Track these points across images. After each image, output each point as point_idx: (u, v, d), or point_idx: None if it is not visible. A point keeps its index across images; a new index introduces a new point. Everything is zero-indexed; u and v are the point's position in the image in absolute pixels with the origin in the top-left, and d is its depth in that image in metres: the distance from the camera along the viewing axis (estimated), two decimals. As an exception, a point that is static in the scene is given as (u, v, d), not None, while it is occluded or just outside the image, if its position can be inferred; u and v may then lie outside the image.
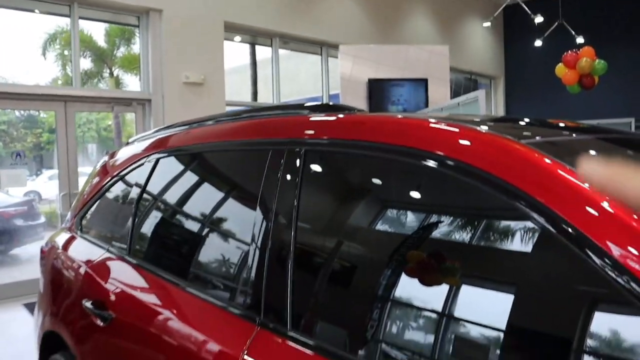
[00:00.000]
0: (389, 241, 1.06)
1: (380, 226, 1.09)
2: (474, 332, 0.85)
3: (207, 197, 1.56)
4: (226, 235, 1.45)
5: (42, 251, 2.50)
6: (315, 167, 1.23)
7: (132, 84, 6.87)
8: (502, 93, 12.00)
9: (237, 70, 8.20)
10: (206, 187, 1.60)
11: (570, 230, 0.75)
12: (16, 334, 4.27)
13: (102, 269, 1.84)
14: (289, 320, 1.11)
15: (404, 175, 1.09)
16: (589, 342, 0.71)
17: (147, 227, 1.76)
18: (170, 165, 1.77)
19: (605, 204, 0.74)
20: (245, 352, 1.13)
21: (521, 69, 11.53)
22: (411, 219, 1.06)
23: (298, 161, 1.23)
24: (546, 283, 0.80)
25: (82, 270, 1.93)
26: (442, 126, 1.04)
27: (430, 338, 0.90)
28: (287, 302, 1.12)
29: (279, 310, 1.14)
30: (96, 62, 6.81)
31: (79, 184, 5.71)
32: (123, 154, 2.18)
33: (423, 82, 7.70)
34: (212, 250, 1.45)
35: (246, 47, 8.26)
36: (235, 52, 7.63)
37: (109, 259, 1.86)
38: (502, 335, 0.81)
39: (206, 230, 1.50)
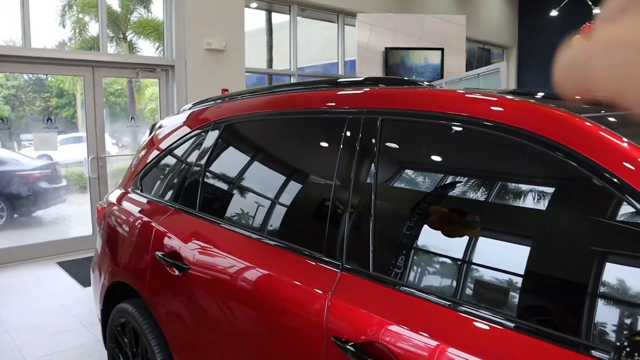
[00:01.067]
0: (456, 196, 1.24)
1: (450, 183, 1.27)
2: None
3: (283, 159, 1.73)
4: (305, 192, 1.62)
5: (99, 210, 2.68)
6: (391, 134, 1.40)
7: (146, 49, 6.93)
8: (515, 63, 12.00)
9: (249, 35, 8.25)
10: (282, 149, 1.77)
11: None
12: (54, 288, 4.52)
13: (173, 223, 2.03)
14: (371, 263, 1.29)
15: (472, 143, 1.26)
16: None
17: (221, 187, 1.93)
18: (242, 131, 1.93)
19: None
20: (332, 293, 1.32)
21: (534, 39, 11.50)
22: (481, 183, 1.23)
23: (375, 128, 1.39)
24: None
25: (151, 225, 2.11)
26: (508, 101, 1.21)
27: (512, 282, 1.08)
28: (370, 248, 1.30)
29: (361, 255, 1.33)
30: (110, 26, 6.85)
31: (106, 148, 5.89)
32: (183, 120, 2.34)
33: (439, 52, 7.76)
34: (291, 205, 1.63)
35: (262, 14, 8.28)
36: (250, 18, 7.65)
37: (179, 215, 2.04)
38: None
39: (284, 188, 1.67)
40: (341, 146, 1.47)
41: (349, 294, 1.30)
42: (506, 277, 1.09)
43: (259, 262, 1.59)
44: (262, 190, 1.77)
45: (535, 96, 1.37)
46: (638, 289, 0.90)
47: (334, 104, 1.57)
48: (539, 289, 1.07)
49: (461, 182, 1.27)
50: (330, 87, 1.67)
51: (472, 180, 1.26)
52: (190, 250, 1.86)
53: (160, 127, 2.57)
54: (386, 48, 7.63)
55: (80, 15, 6.23)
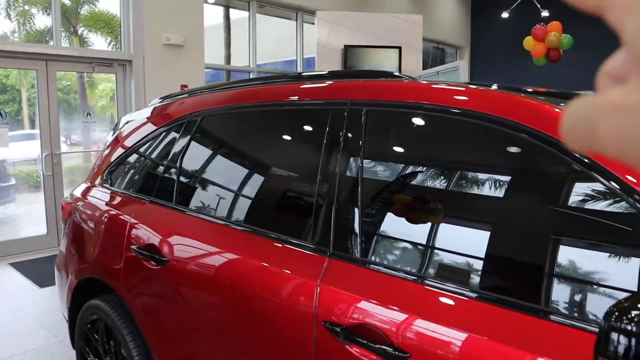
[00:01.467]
0: (441, 179, 1.30)
1: (434, 171, 1.33)
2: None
3: (266, 150, 1.74)
4: (289, 182, 1.64)
5: (64, 206, 2.61)
6: (375, 124, 1.44)
7: (97, 44, 6.72)
8: (467, 62, 12.36)
9: (206, 31, 8.12)
10: (265, 141, 1.78)
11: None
12: (9, 290, 4.35)
13: (149, 216, 2.01)
14: (358, 249, 1.34)
15: (457, 132, 1.32)
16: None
17: (200, 178, 1.93)
18: (220, 122, 1.93)
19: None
20: (320, 279, 1.35)
21: (486, 40, 11.89)
22: (463, 169, 1.30)
23: (360, 119, 1.44)
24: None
25: (125, 219, 2.08)
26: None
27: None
28: (357, 235, 1.35)
29: (348, 242, 1.37)
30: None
31: (61, 145, 5.69)
32: (156, 113, 2.31)
33: (397, 50, 7.91)
34: (275, 196, 1.65)
35: (219, 10, 8.20)
36: (206, 13, 7.53)
37: (155, 207, 2.02)
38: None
39: (267, 179, 1.69)
40: (326, 136, 1.51)
41: (337, 279, 1.34)
42: (477, 254, 1.17)
43: (244, 253, 1.60)
44: (245, 182, 1.78)
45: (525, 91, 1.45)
46: (589, 261, 1.01)
47: (318, 95, 1.61)
48: (505, 263, 1.15)
49: (445, 169, 1.33)
50: (315, 79, 1.70)
51: (456, 167, 1.32)
52: (168, 243, 1.85)
53: (128, 121, 2.53)
54: (345, 46, 7.72)
55: (27, 7, 5.98)
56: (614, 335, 0.79)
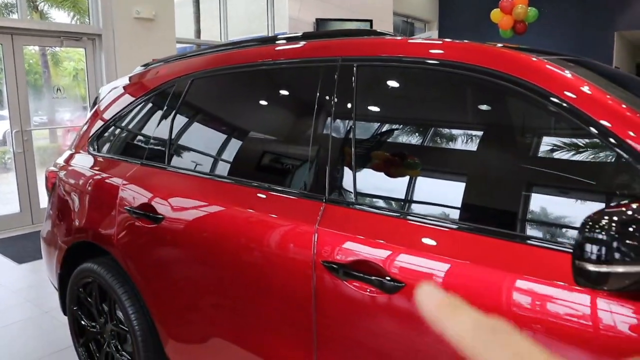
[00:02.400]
0: (428, 121, 1.40)
1: (421, 118, 1.43)
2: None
3: (260, 107, 1.81)
4: (283, 134, 1.72)
5: (50, 175, 2.62)
6: (366, 78, 1.53)
7: (60, 19, 6.53)
8: (436, 36, 12.51)
9: (176, 6, 7.97)
10: (259, 98, 1.84)
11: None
12: (-13, 268, 4.32)
13: (141, 177, 2.06)
14: (353, 193, 1.44)
15: (445, 84, 1.43)
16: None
17: (193, 137, 1.99)
18: (213, 83, 1.98)
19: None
20: (318, 222, 1.45)
21: (454, 13, 12.04)
22: (449, 117, 1.40)
23: (351, 73, 1.52)
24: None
25: (117, 181, 2.12)
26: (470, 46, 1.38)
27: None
28: (352, 180, 1.45)
29: (344, 187, 1.47)
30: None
31: (31, 120, 5.59)
32: (142, 79, 2.34)
33: (368, 23, 7.98)
34: (269, 148, 1.72)
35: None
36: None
37: (147, 169, 2.07)
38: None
39: (261, 134, 1.76)
40: (319, 90, 1.59)
41: (334, 222, 1.44)
42: (459, 190, 1.29)
43: (240, 205, 1.68)
44: (241, 139, 1.85)
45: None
46: (561, 193, 1.14)
47: (309, 53, 1.68)
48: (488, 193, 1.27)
49: (431, 114, 1.44)
50: (305, 39, 1.78)
51: (442, 113, 1.43)
52: (163, 201, 1.91)
53: (113, 88, 2.54)
54: (317, 19, 7.74)
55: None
56: (588, 243, 0.91)
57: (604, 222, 0.90)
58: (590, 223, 0.91)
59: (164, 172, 2.00)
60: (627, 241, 0.89)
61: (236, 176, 1.77)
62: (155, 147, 2.10)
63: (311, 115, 1.59)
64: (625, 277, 0.90)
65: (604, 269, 0.89)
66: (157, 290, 1.97)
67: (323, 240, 1.42)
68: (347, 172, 1.48)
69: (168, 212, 1.87)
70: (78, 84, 6.20)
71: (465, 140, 1.34)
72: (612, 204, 1.00)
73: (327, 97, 1.57)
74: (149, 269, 1.98)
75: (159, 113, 2.13)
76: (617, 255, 0.89)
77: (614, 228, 0.89)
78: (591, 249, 0.90)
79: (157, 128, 2.11)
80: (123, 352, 2.24)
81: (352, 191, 1.46)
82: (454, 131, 1.38)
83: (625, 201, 1.00)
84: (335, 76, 1.56)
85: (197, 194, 1.83)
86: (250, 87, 1.87)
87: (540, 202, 1.19)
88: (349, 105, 1.53)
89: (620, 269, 0.90)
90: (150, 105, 2.21)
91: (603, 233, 0.89)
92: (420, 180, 1.38)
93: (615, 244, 0.89)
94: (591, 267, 0.90)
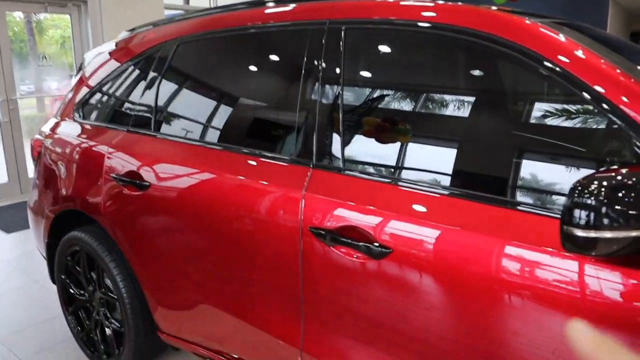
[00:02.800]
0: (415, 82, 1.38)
1: (412, 82, 1.40)
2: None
3: (247, 71, 1.77)
4: (270, 99, 1.69)
5: (35, 143, 2.58)
6: (354, 41, 1.49)
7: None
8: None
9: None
10: (246, 62, 1.80)
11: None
12: (-24, 237, 4.29)
13: (127, 145, 2.02)
14: (341, 158, 1.42)
15: (435, 46, 1.40)
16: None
17: (180, 102, 1.94)
18: (200, 47, 1.93)
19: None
20: (305, 188, 1.43)
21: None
22: (438, 80, 1.37)
23: (339, 36, 1.48)
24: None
25: (103, 149, 2.09)
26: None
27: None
28: (340, 145, 1.42)
29: (331, 152, 1.45)
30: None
31: (17, 89, 5.48)
32: (128, 44, 2.28)
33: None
34: (256, 113, 1.69)
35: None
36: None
37: (133, 136, 2.03)
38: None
39: (248, 99, 1.73)
40: (306, 53, 1.55)
41: (321, 187, 1.42)
42: (449, 155, 1.27)
43: (226, 171, 1.65)
44: (225, 104, 1.81)
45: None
46: (551, 159, 1.14)
47: (297, 16, 1.63)
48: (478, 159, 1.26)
49: (422, 80, 1.41)
50: (295, 1, 1.72)
51: (434, 80, 1.40)
52: (149, 168, 1.88)
53: (98, 54, 2.48)
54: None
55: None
56: (577, 208, 0.90)
57: (593, 187, 0.89)
58: (580, 188, 0.89)
59: (151, 139, 1.97)
60: (616, 206, 0.88)
61: (224, 142, 1.74)
62: (142, 114, 2.05)
63: (299, 80, 1.56)
64: (613, 243, 0.90)
65: (592, 234, 0.89)
66: (145, 257, 1.96)
67: (310, 206, 1.41)
68: (335, 138, 1.46)
69: (155, 180, 1.85)
70: (65, 52, 6.06)
71: (458, 106, 1.32)
72: (601, 169, 0.99)
73: (315, 62, 1.54)
74: (136, 237, 1.96)
75: (145, 79, 2.08)
76: (605, 221, 0.88)
77: (603, 193, 0.88)
78: (580, 214, 0.89)
79: (143, 94, 2.07)
80: (112, 320, 2.24)
81: (340, 157, 1.44)
82: (446, 96, 1.35)
83: (615, 166, 0.99)
84: (323, 40, 1.52)
85: (184, 160, 1.81)
86: (238, 51, 1.82)
87: (532, 169, 1.17)
88: (337, 70, 1.49)
89: (608, 234, 0.89)
90: (136, 70, 2.15)
91: (592, 198, 0.88)
92: (410, 147, 1.36)
93: (604, 209, 0.87)
94: (579, 233, 0.89)
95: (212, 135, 1.79)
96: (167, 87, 1.99)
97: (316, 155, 1.47)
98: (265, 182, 1.54)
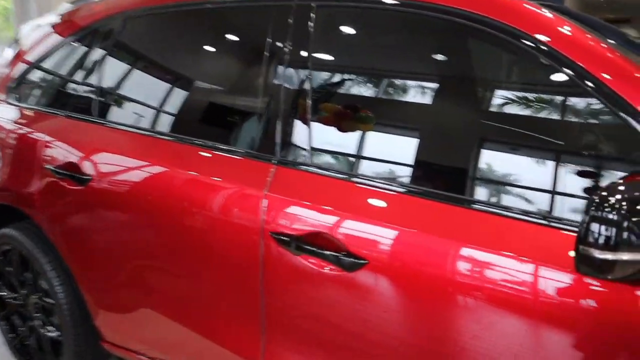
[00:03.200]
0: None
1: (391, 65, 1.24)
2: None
3: (202, 52, 1.56)
4: (227, 84, 1.49)
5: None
6: (327, 21, 1.31)
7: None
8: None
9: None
10: (198, 43, 1.59)
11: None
12: None
13: (66, 133, 1.79)
14: (309, 152, 1.24)
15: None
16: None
17: (127, 86, 1.72)
18: (147, 24, 1.71)
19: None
20: (268, 188, 1.25)
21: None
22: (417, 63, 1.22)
23: (309, 15, 1.30)
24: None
25: (37, 136, 1.84)
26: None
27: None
28: (309, 138, 1.25)
29: (298, 146, 1.27)
30: None
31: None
32: (68, 19, 2.02)
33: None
34: (213, 102, 1.50)
35: None
36: None
37: (72, 122, 1.80)
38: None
39: (202, 83, 1.53)
40: (271, 34, 1.36)
41: (286, 187, 1.24)
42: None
43: (177, 165, 1.46)
44: (179, 88, 1.60)
45: None
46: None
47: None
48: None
49: (401, 65, 1.25)
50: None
51: (412, 64, 1.24)
52: (90, 160, 1.66)
53: (37, 26, 2.21)
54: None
55: None
56: (595, 224, 0.76)
57: (614, 200, 0.74)
58: (599, 201, 0.75)
59: (93, 127, 1.74)
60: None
61: (175, 132, 1.53)
62: (83, 98, 1.81)
63: (261, 63, 1.36)
64: (630, 266, 0.76)
65: (611, 256, 0.75)
66: (85, 258, 1.75)
67: (273, 208, 1.23)
68: (302, 129, 1.28)
69: (96, 172, 1.63)
70: (8, 25, 5.63)
71: (442, 92, 1.17)
72: (623, 176, 0.85)
73: (280, 43, 1.34)
74: (74, 236, 1.75)
75: (88, 58, 1.84)
76: (628, 240, 0.74)
77: (625, 207, 0.74)
78: (598, 231, 0.75)
79: (86, 76, 1.82)
80: (50, 327, 2.01)
81: (308, 151, 1.26)
82: (426, 82, 1.20)
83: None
84: (290, 18, 1.33)
85: (130, 152, 1.60)
86: (192, 29, 1.61)
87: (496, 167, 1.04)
88: (305, 53, 1.31)
89: (627, 256, 0.75)
90: (80, 47, 1.90)
91: (614, 213, 0.74)
92: (389, 139, 1.19)
93: (626, 226, 0.73)
94: (597, 254, 0.75)
95: (163, 124, 1.59)
96: (113, 69, 1.76)
97: (281, 149, 1.29)
98: (220, 179, 1.35)
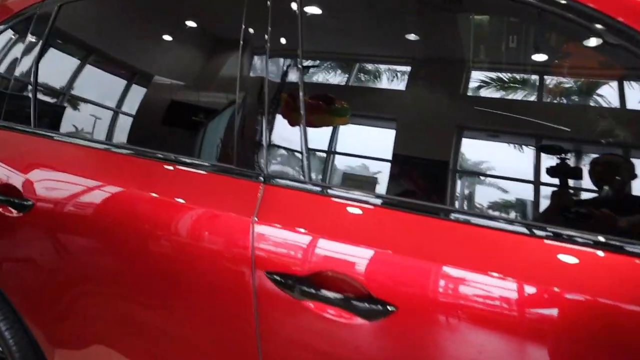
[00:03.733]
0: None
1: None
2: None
3: (160, 44, 1.26)
4: (198, 86, 1.20)
5: None
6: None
7: None
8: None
9: None
10: (156, 32, 1.28)
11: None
12: None
13: (1, 147, 1.47)
14: (305, 168, 0.97)
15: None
16: None
17: (70, 89, 1.41)
18: (89, 11, 1.39)
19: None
20: (256, 213, 0.97)
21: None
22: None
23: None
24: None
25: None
26: None
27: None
28: (304, 146, 0.97)
29: (291, 159, 0.99)
30: None
31: None
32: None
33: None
34: (177, 105, 1.20)
35: None
36: None
37: (5, 135, 1.48)
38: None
39: (163, 83, 1.23)
40: (245, 17, 1.07)
41: (280, 211, 0.97)
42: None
43: (139, 184, 1.16)
44: (133, 90, 1.29)
45: None
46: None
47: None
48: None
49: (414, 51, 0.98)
50: None
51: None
52: (33, 180, 1.35)
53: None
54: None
55: None
56: None
57: None
58: None
59: (29, 139, 1.42)
60: None
61: (127, 144, 1.24)
62: (17, 103, 1.49)
63: (236, 54, 1.07)
64: None
65: None
66: (35, 298, 1.45)
67: (265, 241, 0.95)
68: (294, 135, 0.99)
69: (39, 197, 1.32)
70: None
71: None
72: None
73: (259, 26, 1.05)
74: (19, 271, 1.45)
75: (16, 55, 1.51)
76: None
77: None
78: None
79: (19, 75, 1.50)
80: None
81: (305, 164, 0.98)
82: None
83: None
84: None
85: (80, 168, 1.30)
86: (145, 13, 1.30)
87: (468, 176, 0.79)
88: (294, 39, 1.02)
89: None
90: (10, 39, 1.57)
91: None
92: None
93: None
94: None
95: (114, 134, 1.28)
96: (50, 66, 1.44)
97: (267, 162, 1.01)
98: (192, 201, 1.06)
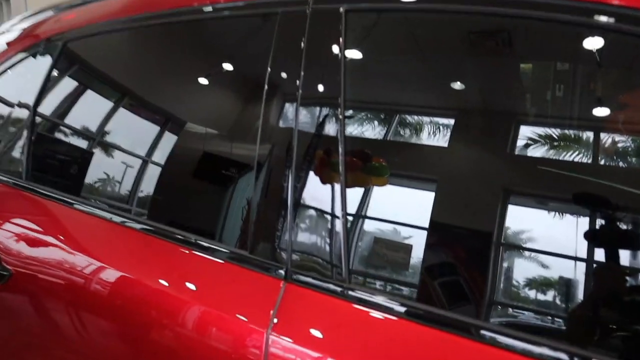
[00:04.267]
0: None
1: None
2: None
3: (176, 93, 1.06)
4: (209, 147, 0.98)
5: None
6: (366, 30, 0.81)
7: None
8: None
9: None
10: (172, 76, 1.08)
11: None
12: None
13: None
14: (344, 266, 0.72)
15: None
16: None
17: (69, 141, 1.22)
18: (96, 48, 1.20)
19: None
20: (275, 320, 0.72)
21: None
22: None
23: (336, 25, 0.79)
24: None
25: None
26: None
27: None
28: (344, 230, 0.72)
29: (324, 253, 0.74)
30: None
31: None
32: (32, 30, 1.52)
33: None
34: (192, 173, 0.98)
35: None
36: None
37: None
38: None
39: (169, 143, 1.02)
40: (273, 53, 0.85)
41: (305, 323, 0.72)
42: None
43: (141, 266, 0.93)
44: (134, 148, 1.08)
45: None
46: None
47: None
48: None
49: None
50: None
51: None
52: (13, 246, 1.14)
53: None
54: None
55: None
56: None
57: None
58: None
59: (16, 194, 1.23)
60: None
61: (136, 213, 1.02)
62: (7, 153, 1.31)
63: (260, 98, 0.85)
64: None
65: None
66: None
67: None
68: (330, 221, 0.75)
69: (19, 264, 1.11)
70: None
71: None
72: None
73: (290, 68, 0.83)
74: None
75: (17, 95, 1.34)
76: None
77: None
78: None
79: (11, 120, 1.32)
80: None
81: (343, 258, 0.73)
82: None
83: None
84: (306, 28, 0.82)
85: (69, 237, 1.09)
86: (156, 55, 1.11)
87: None
88: (333, 80, 0.80)
89: None
90: (4, 82, 1.41)
91: None
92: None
93: None
94: None
95: (116, 198, 1.07)
96: (48, 113, 1.25)
97: (291, 251, 0.76)
98: (197, 300, 0.82)
